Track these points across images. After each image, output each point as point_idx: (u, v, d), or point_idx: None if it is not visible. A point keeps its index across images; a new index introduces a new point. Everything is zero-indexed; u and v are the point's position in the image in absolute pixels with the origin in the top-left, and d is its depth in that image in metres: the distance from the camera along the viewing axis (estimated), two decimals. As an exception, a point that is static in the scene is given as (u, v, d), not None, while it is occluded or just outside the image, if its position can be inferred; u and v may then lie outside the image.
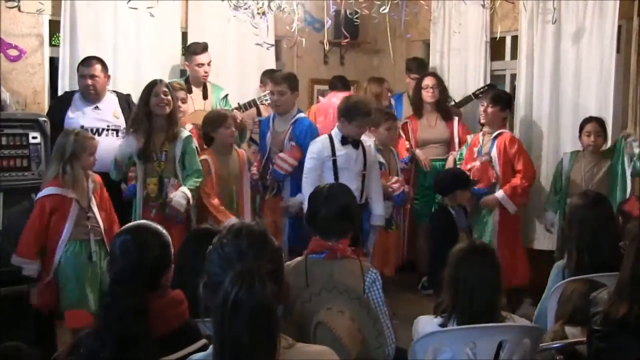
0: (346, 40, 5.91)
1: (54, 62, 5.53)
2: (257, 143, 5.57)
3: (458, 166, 5.55)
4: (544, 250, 5.50)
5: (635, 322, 2.33)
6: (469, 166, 5.32)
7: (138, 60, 5.70)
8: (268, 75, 5.81)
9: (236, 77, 6.19)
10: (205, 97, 5.62)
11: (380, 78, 6.30)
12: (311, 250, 3.04)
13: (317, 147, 4.72)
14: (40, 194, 4.06)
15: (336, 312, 2.72)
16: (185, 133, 4.68)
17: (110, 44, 5.56)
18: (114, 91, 5.17)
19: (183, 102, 5.09)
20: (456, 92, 6.22)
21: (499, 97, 5.41)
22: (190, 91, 5.51)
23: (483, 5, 5.70)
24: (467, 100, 6.04)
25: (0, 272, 4.10)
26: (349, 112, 4.68)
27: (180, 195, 4.49)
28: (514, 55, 6.12)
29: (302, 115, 5.30)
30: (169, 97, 4.55)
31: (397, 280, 5.68)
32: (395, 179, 5.21)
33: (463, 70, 6.35)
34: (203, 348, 2.18)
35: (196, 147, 4.73)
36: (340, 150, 4.69)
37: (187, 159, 4.62)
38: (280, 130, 5.20)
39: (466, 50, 6.31)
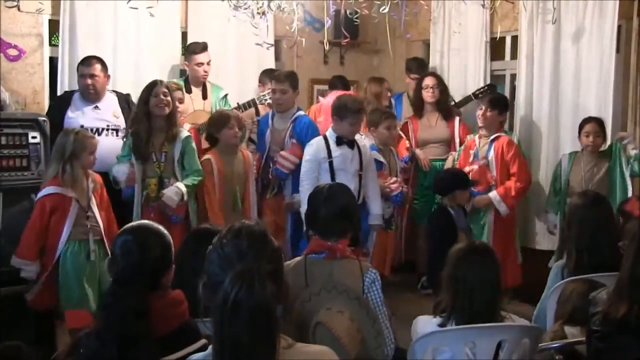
0: (346, 40, 5.92)
1: (53, 62, 5.53)
2: (255, 142, 5.56)
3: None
4: (544, 250, 5.51)
5: (635, 322, 2.33)
6: (467, 169, 5.33)
7: (137, 60, 5.70)
8: (268, 75, 5.81)
9: (236, 77, 6.19)
10: (204, 96, 5.62)
11: (380, 78, 6.30)
12: (311, 250, 3.05)
13: (313, 149, 4.71)
14: (40, 194, 4.06)
15: (335, 312, 2.72)
16: (184, 133, 4.68)
17: (110, 43, 5.56)
18: (114, 91, 5.17)
19: (180, 103, 5.09)
20: (456, 92, 6.22)
21: (497, 100, 5.43)
22: (189, 91, 5.52)
23: (483, 5, 5.70)
24: (466, 100, 6.03)
25: (0, 272, 4.10)
26: (340, 111, 4.70)
27: (174, 190, 4.49)
28: (513, 55, 6.12)
29: (302, 113, 5.32)
30: (169, 98, 4.55)
31: (396, 280, 5.69)
32: (393, 179, 5.20)
33: (463, 70, 6.35)
34: (203, 348, 2.18)
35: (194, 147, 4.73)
36: (336, 151, 4.69)
37: (186, 159, 4.62)
38: (280, 128, 5.21)
39: (466, 50, 6.31)
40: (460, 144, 5.79)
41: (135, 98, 4.92)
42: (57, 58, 5.45)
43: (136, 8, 5.13)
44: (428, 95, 5.88)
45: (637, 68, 5.13)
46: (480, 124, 5.41)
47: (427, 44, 6.79)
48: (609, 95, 5.21)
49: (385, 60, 7.07)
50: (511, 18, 6.02)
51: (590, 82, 5.36)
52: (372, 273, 3.01)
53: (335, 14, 5.36)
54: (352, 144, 4.75)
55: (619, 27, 5.22)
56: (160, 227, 2.44)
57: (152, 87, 4.55)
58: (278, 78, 5.20)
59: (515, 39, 6.04)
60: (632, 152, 4.91)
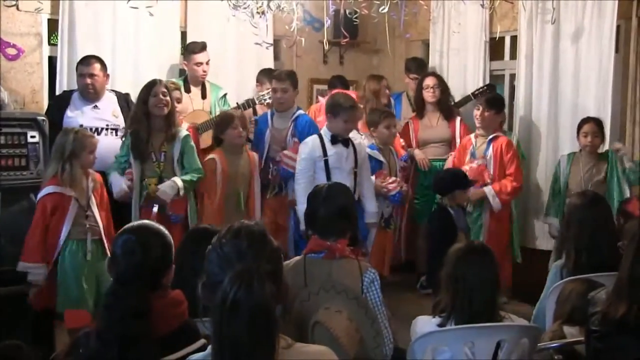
0: (345, 40, 5.92)
1: (52, 61, 5.52)
2: (251, 142, 5.55)
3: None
4: (543, 250, 5.51)
5: (634, 322, 2.33)
6: (465, 167, 5.33)
7: (137, 59, 5.69)
8: (265, 74, 5.81)
9: (235, 77, 6.18)
10: (204, 96, 5.61)
11: (378, 75, 6.28)
12: (310, 250, 3.05)
13: (308, 147, 4.71)
14: (41, 194, 4.05)
15: (334, 312, 2.72)
16: (183, 132, 4.68)
17: (109, 43, 5.55)
18: (113, 90, 5.17)
19: (178, 102, 5.06)
20: (455, 92, 6.21)
21: (494, 100, 5.43)
22: (188, 90, 5.51)
23: (482, 5, 5.70)
24: (466, 100, 6.03)
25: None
26: (333, 108, 4.71)
27: (169, 185, 4.49)
28: (513, 55, 6.12)
29: (302, 112, 5.34)
30: (168, 98, 4.55)
31: (396, 280, 5.69)
32: (392, 179, 5.19)
33: (462, 70, 6.35)
34: (202, 348, 2.17)
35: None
36: (331, 150, 4.69)
37: (185, 158, 4.62)
38: (281, 128, 5.21)
39: (465, 50, 6.31)
40: (462, 144, 5.80)
41: (134, 97, 4.91)
42: (56, 57, 5.44)
43: (136, 8, 5.13)
44: (429, 95, 5.87)
45: (636, 68, 5.13)
46: (478, 124, 5.41)
47: (426, 44, 6.79)
48: (608, 95, 5.21)
49: (385, 60, 7.08)
50: (510, 18, 6.02)
51: (589, 82, 5.36)
52: (371, 273, 3.01)
53: (335, 13, 5.36)
54: (346, 142, 4.75)
55: (618, 27, 5.23)
56: (161, 227, 2.44)
57: (151, 87, 4.55)
58: (279, 77, 5.20)
59: (514, 39, 6.04)
60: (628, 165, 4.92)
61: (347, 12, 5.89)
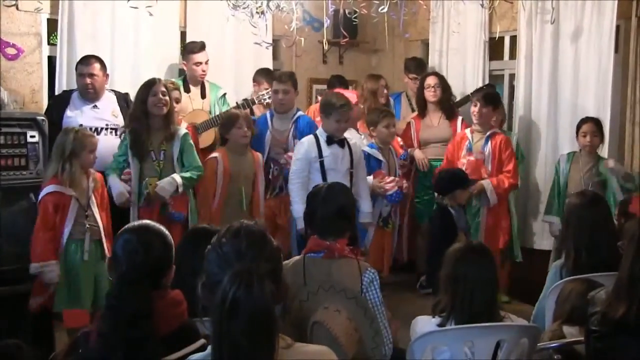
0: (345, 40, 5.91)
1: (52, 61, 5.52)
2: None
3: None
4: (542, 250, 5.51)
5: (634, 321, 2.33)
6: (463, 161, 5.32)
7: (136, 59, 5.69)
8: (263, 74, 5.81)
9: (234, 77, 6.18)
10: (203, 96, 5.61)
11: (377, 75, 6.28)
12: (309, 249, 3.05)
13: (304, 148, 4.70)
14: (42, 194, 4.05)
15: (333, 312, 2.72)
16: (182, 131, 4.67)
17: (108, 43, 5.55)
18: (113, 90, 5.17)
19: (177, 102, 5.06)
20: (455, 92, 6.19)
21: (490, 96, 5.42)
22: (188, 90, 5.51)
23: (482, 5, 5.69)
24: (465, 100, 6.03)
25: (-1, 271, 4.11)
26: (325, 108, 4.71)
27: (168, 181, 4.47)
28: (512, 55, 6.12)
29: (301, 113, 5.35)
30: (167, 98, 4.54)
31: (396, 280, 5.68)
32: (390, 178, 5.18)
33: (462, 70, 6.35)
34: (202, 348, 2.17)
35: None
36: (327, 151, 4.67)
37: (185, 156, 4.62)
38: (282, 129, 5.21)
39: (465, 50, 6.31)
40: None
41: (133, 97, 4.91)
42: (55, 57, 5.44)
43: (136, 7, 5.13)
44: (430, 95, 5.87)
45: (636, 68, 5.13)
46: (475, 121, 5.38)
47: (426, 44, 6.79)
48: (608, 95, 5.21)
49: (384, 60, 7.08)
50: (510, 18, 6.02)
51: (588, 81, 5.36)
52: (371, 273, 3.01)
53: (334, 13, 5.35)
54: (342, 142, 4.75)
55: (618, 26, 5.22)
56: (162, 227, 2.43)
57: (150, 86, 4.54)
58: (280, 79, 5.20)
59: (514, 39, 6.04)
60: (619, 182, 4.90)
61: (347, 12, 5.89)
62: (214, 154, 4.80)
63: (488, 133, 5.32)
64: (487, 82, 6.13)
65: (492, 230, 5.31)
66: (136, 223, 2.52)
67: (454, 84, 6.27)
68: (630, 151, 5.21)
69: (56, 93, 5.33)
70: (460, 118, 5.92)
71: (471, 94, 5.96)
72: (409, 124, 6.00)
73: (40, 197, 4.06)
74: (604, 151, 5.19)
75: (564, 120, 5.56)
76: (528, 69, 5.75)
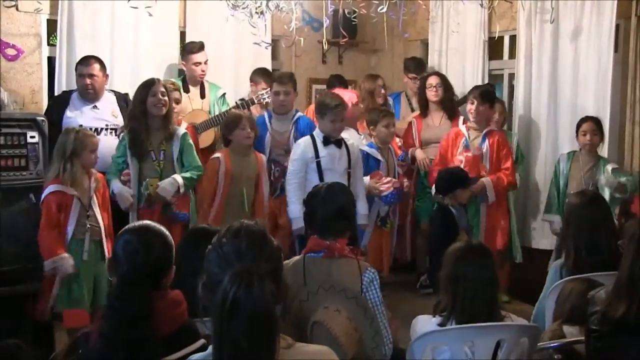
0: (344, 40, 5.91)
1: (51, 62, 5.52)
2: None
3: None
4: (542, 249, 5.51)
5: (634, 321, 2.33)
6: (460, 157, 5.30)
7: (136, 59, 5.70)
8: (261, 74, 5.81)
9: (233, 76, 6.18)
10: (202, 96, 5.61)
11: (374, 75, 6.28)
12: (309, 249, 3.05)
13: (300, 149, 4.70)
14: (44, 193, 4.05)
15: (333, 311, 2.73)
16: (181, 131, 4.67)
17: (108, 43, 5.55)
18: (112, 90, 5.17)
19: (177, 103, 5.06)
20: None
21: (487, 94, 5.38)
22: (187, 90, 5.51)
23: (481, 5, 5.69)
24: (464, 99, 6.02)
25: (-1, 271, 4.11)
26: (320, 108, 4.71)
27: (169, 182, 4.47)
28: (512, 55, 6.12)
29: (300, 113, 5.34)
30: (166, 98, 4.54)
31: (397, 280, 5.68)
32: (387, 179, 5.15)
33: (461, 69, 6.35)
34: (202, 348, 2.17)
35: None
36: (323, 151, 4.67)
37: (184, 156, 4.62)
38: (281, 130, 5.21)
39: (464, 50, 6.31)
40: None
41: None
42: (55, 58, 5.44)
43: (136, 7, 5.13)
44: (432, 95, 5.86)
45: (636, 67, 5.13)
46: (472, 119, 5.36)
47: (425, 44, 6.79)
48: (607, 94, 5.21)
49: (384, 60, 7.09)
50: (509, 17, 6.03)
51: (588, 81, 5.36)
52: (371, 272, 3.01)
53: (334, 13, 5.36)
54: (339, 143, 4.74)
55: (617, 26, 5.22)
56: (162, 228, 2.44)
57: (149, 86, 4.54)
58: (282, 80, 5.19)
59: (513, 39, 6.04)
60: (612, 192, 4.91)
61: (346, 12, 5.88)
62: (217, 155, 4.78)
63: (485, 131, 5.31)
64: (486, 81, 6.13)
65: (492, 230, 5.30)
66: (136, 223, 2.53)
67: (453, 83, 6.25)
68: (630, 150, 5.22)
69: (56, 93, 5.34)
70: (462, 118, 5.91)
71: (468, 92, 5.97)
72: (410, 123, 5.99)
73: (42, 196, 4.06)
74: (603, 150, 5.19)
75: (563, 119, 5.56)
76: (527, 69, 5.75)
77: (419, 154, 5.83)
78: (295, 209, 4.52)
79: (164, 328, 2.22)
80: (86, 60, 4.95)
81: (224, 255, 2.02)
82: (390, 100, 6.34)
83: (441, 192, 5.11)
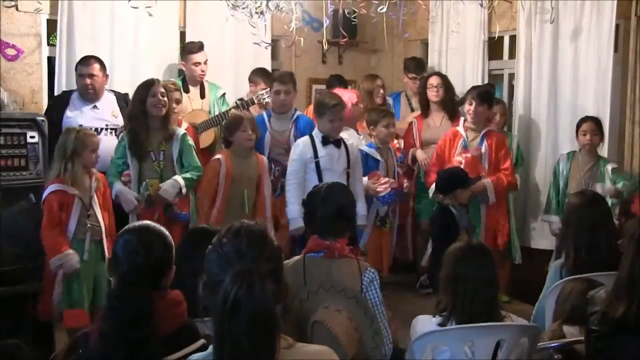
0: (344, 40, 5.91)
1: (51, 62, 5.52)
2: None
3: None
4: (541, 249, 5.51)
5: (634, 321, 2.33)
6: (459, 158, 5.29)
7: (135, 59, 5.70)
8: (260, 74, 5.80)
9: (233, 77, 6.19)
10: (202, 96, 5.61)
11: (373, 75, 6.28)
12: (309, 249, 3.05)
13: (299, 149, 4.70)
14: (45, 193, 4.06)
15: (333, 311, 2.73)
16: (181, 131, 4.67)
17: (108, 43, 5.56)
18: (112, 90, 5.17)
19: (177, 103, 5.05)
20: (454, 92, 6.22)
21: (486, 94, 5.37)
22: (187, 90, 5.51)
23: (481, 5, 5.70)
24: (464, 99, 6.03)
25: (-1, 271, 4.11)
26: (319, 108, 4.71)
27: (170, 183, 4.47)
28: (512, 55, 6.12)
29: (299, 112, 5.34)
30: (166, 99, 4.53)
31: (397, 280, 5.68)
32: (385, 179, 5.14)
33: (461, 69, 6.35)
34: (202, 348, 2.17)
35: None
36: (322, 151, 4.66)
37: (184, 157, 4.61)
38: (281, 130, 5.20)
39: (464, 50, 6.31)
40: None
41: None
42: (55, 58, 5.44)
43: (136, 7, 5.13)
44: (433, 95, 5.86)
45: (635, 67, 5.13)
46: (470, 119, 5.35)
47: (425, 44, 6.79)
48: (607, 94, 5.21)
49: (384, 60, 7.09)
50: (509, 17, 6.03)
51: (588, 81, 5.37)
52: (371, 272, 3.01)
53: (334, 13, 5.36)
54: (338, 143, 4.74)
55: (617, 26, 5.23)
56: (162, 228, 2.44)
57: (149, 86, 4.53)
58: (282, 79, 5.18)
59: (513, 39, 6.04)
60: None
61: (346, 12, 5.89)
62: (217, 156, 4.76)
63: (483, 131, 5.31)
64: (486, 81, 6.13)
65: (492, 230, 5.30)
66: (136, 224, 2.53)
67: (453, 83, 6.26)
68: (630, 150, 5.22)
69: (56, 93, 5.34)
70: (462, 119, 5.91)
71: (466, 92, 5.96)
72: (411, 124, 5.98)
73: (44, 196, 4.07)
74: (603, 150, 5.20)
75: (563, 119, 5.57)
76: (527, 69, 5.75)
77: (420, 154, 5.82)
78: (294, 209, 4.52)
79: (164, 328, 2.23)
80: (86, 60, 4.95)
81: (224, 255, 2.02)
82: (390, 101, 6.34)
83: (441, 192, 5.10)
